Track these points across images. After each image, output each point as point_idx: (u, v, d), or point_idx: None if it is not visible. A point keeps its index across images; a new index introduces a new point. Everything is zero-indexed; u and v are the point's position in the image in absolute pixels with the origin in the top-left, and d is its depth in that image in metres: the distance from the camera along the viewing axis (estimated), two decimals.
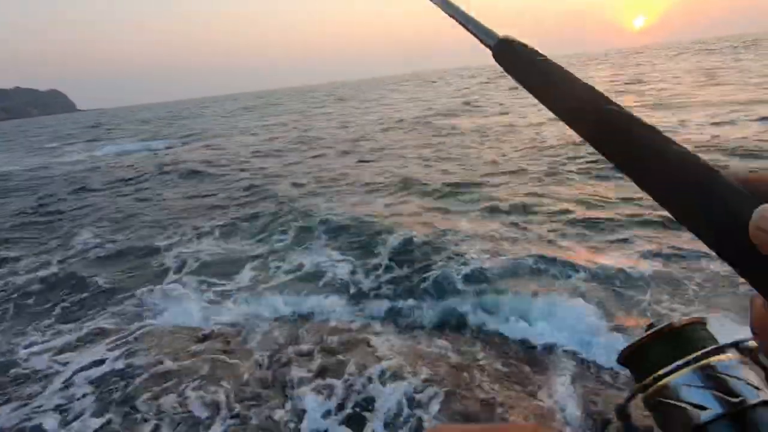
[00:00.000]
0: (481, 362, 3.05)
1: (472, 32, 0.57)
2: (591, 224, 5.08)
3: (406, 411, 2.65)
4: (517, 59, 0.47)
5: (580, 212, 5.46)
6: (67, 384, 3.16)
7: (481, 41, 0.54)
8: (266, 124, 23.70)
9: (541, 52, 0.46)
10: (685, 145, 0.34)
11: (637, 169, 0.34)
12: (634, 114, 0.36)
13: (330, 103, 37.70)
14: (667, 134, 0.34)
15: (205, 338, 3.62)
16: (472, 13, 0.57)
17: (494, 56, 0.50)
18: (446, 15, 0.62)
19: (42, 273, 5.48)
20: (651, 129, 0.35)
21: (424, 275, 4.25)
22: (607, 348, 3.03)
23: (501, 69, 0.48)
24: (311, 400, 2.78)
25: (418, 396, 2.74)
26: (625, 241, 4.59)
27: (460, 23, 0.60)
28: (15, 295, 4.96)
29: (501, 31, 0.51)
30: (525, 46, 0.47)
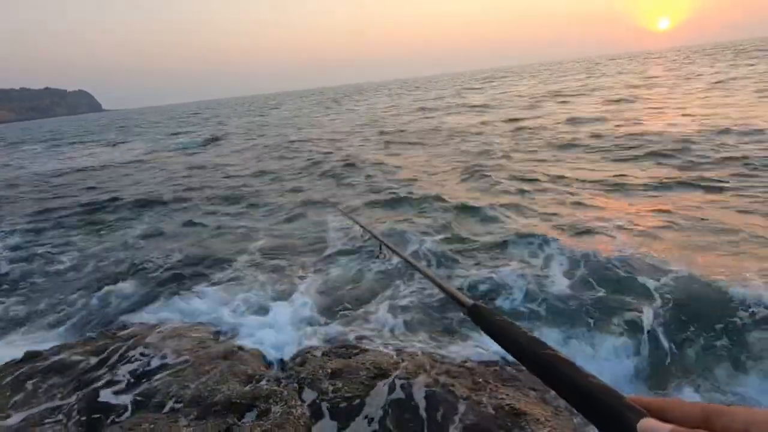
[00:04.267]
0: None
1: (449, 295, 0.78)
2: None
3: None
4: (484, 317, 0.65)
5: None
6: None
7: (458, 303, 0.74)
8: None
9: (502, 313, 0.70)
10: None
11: (565, 392, 0.48)
12: (562, 354, 0.51)
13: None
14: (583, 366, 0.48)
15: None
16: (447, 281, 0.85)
17: (469, 315, 0.69)
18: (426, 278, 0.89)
19: None
20: (572, 365, 0.49)
21: None
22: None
23: None
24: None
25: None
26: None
27: (440, 288, 0.83)
28: None
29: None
30: (489, 308, 0.67)
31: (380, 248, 1.53)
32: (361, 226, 1.95)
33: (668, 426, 0.39)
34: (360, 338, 3.60)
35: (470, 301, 0.71)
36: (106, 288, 5.08)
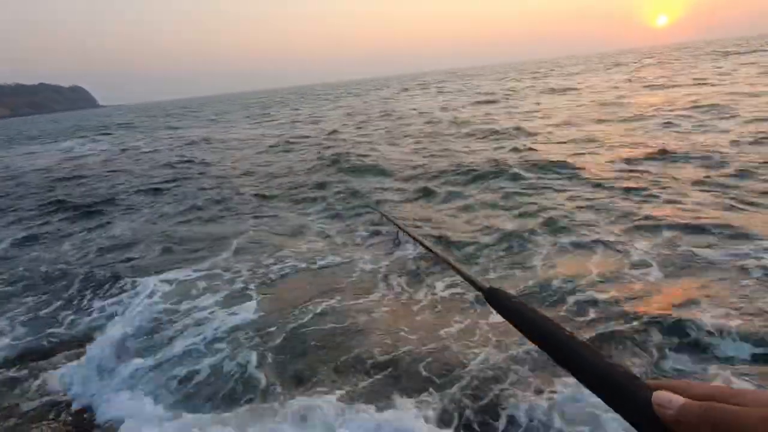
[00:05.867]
0: None
1: (466, 279, 0.77)
2: None
3: None
4: (500, 301, 0.66)
5: None
6: None
7: (475, 286, 0.73)
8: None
9: (514, 294, 0.67)
10: None
11: (580, 374, 0.50)
12: (578, 337, 0.53)
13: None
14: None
15: None
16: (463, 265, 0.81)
17: (486, 299, 0.69)
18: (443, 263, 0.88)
19: None
20: (588, 347, 0.51)
21: None
22: None
23: None
24: None
25: None
26: None
27: (457, 271, 0.81)
28: None
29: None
30: (506, 292, 0.67)
31: (397, 234, 1.55)
32: (380, 213, 2.00)
33: (681, 398, 0.41)
34: None
35: (487, 285, 0.71)
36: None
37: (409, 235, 1.29)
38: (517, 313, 0.62)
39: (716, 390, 0.41)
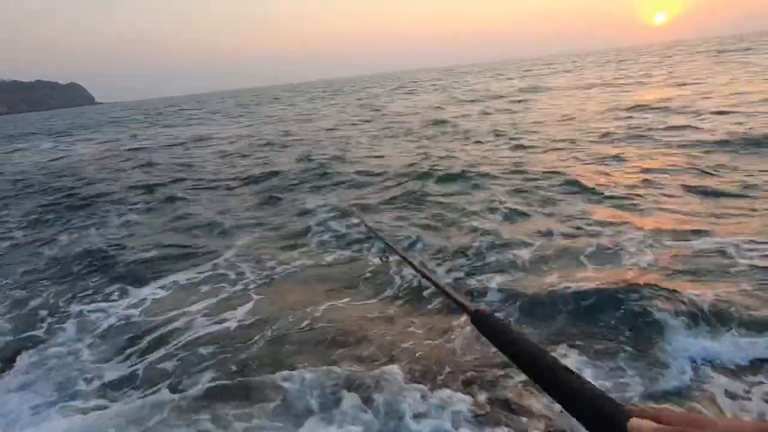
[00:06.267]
0: None
1: (454, 301, 0.77)
2: None
3: None
4: (486, 324, 0.67)
5: None
6: None
7: (462, 308, 0.74)
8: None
9: (503, 319, 0.74)
10: None
11: (560, 398, 0.51)
12: (561, 362, 0.54)
13: None
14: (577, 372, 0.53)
15: None
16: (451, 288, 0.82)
17: (472, 321, 0.70)
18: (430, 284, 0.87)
19: None
20: (568, 371, 0.53)
21: None
22: None
23: None
24: None
25: None
26: None
27: (444, 293, 0.82)
28: None
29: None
30: (492, 315, 0.68)
31: (384, 251, 1.48)
32: (367, 226, 1.98)
33: (653, 424, 0.43)
34: None
35: (473, 307, 0.71)
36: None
37: (398, 253, 1.26)
38: (502, 336, 0.63)
39: (690, 419, 0.43)
